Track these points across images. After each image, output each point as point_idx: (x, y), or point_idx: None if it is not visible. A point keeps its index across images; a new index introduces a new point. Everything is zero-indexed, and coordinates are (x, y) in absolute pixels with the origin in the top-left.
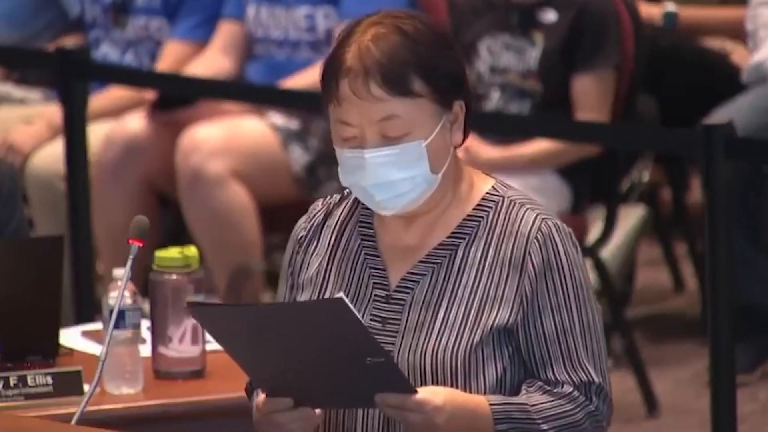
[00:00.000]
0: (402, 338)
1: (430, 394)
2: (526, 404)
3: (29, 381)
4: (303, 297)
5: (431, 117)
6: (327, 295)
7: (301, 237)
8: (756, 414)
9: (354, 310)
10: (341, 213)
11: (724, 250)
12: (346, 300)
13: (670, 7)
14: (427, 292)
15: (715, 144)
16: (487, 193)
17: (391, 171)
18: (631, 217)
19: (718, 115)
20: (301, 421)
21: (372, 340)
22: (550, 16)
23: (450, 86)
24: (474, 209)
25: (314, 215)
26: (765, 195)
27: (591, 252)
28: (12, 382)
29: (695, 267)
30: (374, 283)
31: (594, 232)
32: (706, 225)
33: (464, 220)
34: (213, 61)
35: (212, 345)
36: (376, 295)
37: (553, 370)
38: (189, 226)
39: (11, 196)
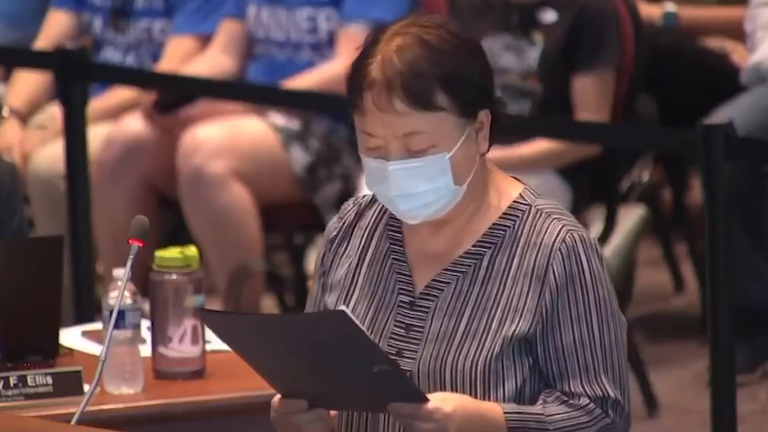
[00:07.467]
0: (424, 346)
1: (440, 401)
2: (542, 414)
3: (29, 381)
4: (331, 298)
5: (455, 129)
6: (354, 298)
7: (333, 237)
8: (756, 414)
9: (356, 321)
10: (372, 215)
11: (724, 250)
12: (348, 312)
13: (670, 7)
14: (451, 300)
15: (715, 144)
16: (515, 201)
17: (414, 182)
18: (631, 217)
19: (719, 115)
20: (317, 422)
21: (378, 350)
22: (550, 16)
23: (474, 98)
24: (501, 217)
25: (345, 215)
26: (766, 195)
27: None
28: (12, 382)
29: (695, 267)
30: (400, 289)
31: (594, 232)
32: (706, 225)
33: (491, 228)
34: (214, 60)
35: (212, 345)
36: (401, 301)
37: (569, 384)
38: (189, 226)
39: (12, 195)
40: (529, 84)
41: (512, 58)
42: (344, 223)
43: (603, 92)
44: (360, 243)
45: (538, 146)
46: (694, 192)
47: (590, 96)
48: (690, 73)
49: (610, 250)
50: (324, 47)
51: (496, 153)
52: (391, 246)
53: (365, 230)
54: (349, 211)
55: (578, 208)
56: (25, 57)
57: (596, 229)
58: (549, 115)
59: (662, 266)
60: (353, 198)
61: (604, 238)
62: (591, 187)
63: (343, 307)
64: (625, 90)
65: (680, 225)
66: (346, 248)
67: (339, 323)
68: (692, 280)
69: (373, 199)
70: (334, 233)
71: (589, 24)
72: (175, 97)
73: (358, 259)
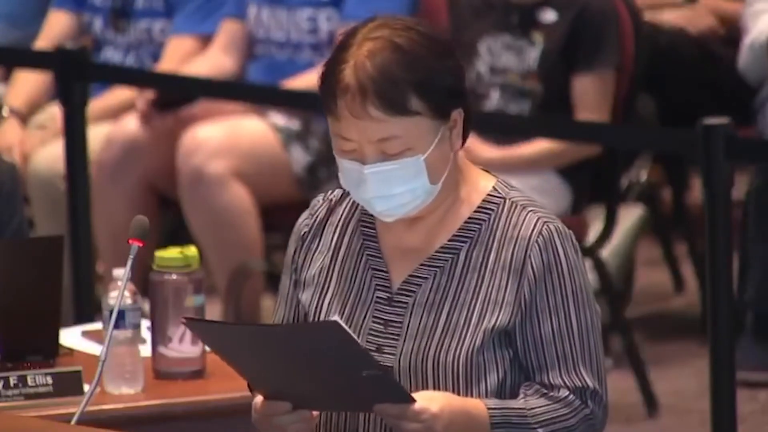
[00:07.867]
0: (404, 342)
1: (426, 401)
2: (524, 408)
3: (29, 381)
4: (305, 295)
5: (430, 131)
6: (329, 295)
7: (304, 233)
8: (756, 414)
9: (349, 331)
10: (343, 211)
11: (724, 250)
12: (341, 322)
13: None
14: (429, 295)
15: (715, 144)
16: (489, 194)
17: (390, 185)
18: (630, 216)
19: None
20: (300, 423)
21: (369, 357)
22: (550, 16)
23: (447, 99)
24: (476, 211)
25: (316, 211)
26: None
27: (591, 252)
28: (12, 382)
29: (695, 267)
30: (376, 285)
31: (594, 232)
32: (706, 225)
33: (466, 222)
34: (214, 60)
35: None
36: (378, 297)
37: (548, 375)
38: (189, 226)
39: (12, 195)
40: (529, 84)
41: (512, 58)
42: (315, 219)
43: (603, 92)
44: (332, 239)
45: (538, 146)
46: (694, 192)
47: (590, 96)
48: (690, 73)
49: (610, 250)
50: (324, 47)
51: (497, 153)
52: (365, 242)
53: (337, 226)
54: (319, 207)
55: (578, 208)
56: (25, 57)
57: (596, 228)
58: (549, 115)
59: (662, 266)
60: (323, 194)
61: (603, 238)
62: (591, 187)
63: (336, 318)
64: (625, 90)
65: (680, 225)
66: (318, 245)
67: (332, 334)
68: (692, 280)
69: (344, 195)
70: (305, 230)
71: (589, 24)
72: (173, 96)
73: (332, 256)
